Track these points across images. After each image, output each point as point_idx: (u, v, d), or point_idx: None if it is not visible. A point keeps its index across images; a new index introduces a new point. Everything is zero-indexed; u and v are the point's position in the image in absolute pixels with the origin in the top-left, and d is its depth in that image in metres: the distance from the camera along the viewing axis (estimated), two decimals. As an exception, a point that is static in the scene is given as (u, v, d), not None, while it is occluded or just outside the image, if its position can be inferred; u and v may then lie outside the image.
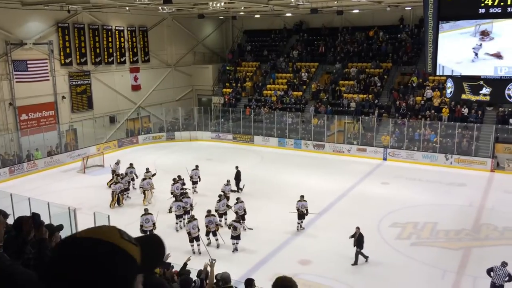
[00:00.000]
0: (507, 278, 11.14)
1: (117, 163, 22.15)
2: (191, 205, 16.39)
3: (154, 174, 19.93)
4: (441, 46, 12.60)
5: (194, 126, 33.09)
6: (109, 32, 30.31)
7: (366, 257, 13.57)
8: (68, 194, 19.70)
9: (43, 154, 25.44)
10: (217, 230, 14.79)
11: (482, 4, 11.41)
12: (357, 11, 31.66)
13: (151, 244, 1.17)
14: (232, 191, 18.81)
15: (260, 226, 16.13)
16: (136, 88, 32.74)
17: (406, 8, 30.89)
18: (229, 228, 14.73)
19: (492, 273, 11.30)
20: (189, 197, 16.85)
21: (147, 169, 20.28)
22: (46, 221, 5.04)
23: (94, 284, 1.00)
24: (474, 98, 12.63)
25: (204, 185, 20.20)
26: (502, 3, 11.21)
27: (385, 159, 26.01)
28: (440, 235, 15.58)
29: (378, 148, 26.54)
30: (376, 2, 25.43)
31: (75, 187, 21.57)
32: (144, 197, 19.00)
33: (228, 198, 17.35)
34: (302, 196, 16.12)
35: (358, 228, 13.65)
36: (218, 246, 14.70)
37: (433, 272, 13.03)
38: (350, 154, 27.10)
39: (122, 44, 31.27)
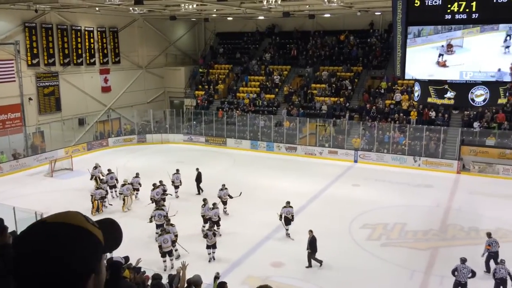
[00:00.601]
0: (470, 274, 11.51)
1: (96, 167, 21.19)
2: (164, 217, 15.03)
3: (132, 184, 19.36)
4: (411, 59, 12.89)
5: (166, 129, 32.74)
6: (78, 33, 29.68)
7: (320, 262, 13.48)
8: (35, 199, 19.11)
9: (8, 157, 24.63)
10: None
11: (448, 11, 11.75)
12: (328, 15, 32.11)
13: (110, 227, 1.28)
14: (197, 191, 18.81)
15: (233, 229, 16.09)
16: (106, 89, 32.14)
17: (376, 13, 31.54)
18: (204, 237, 13.99)
19: (456, 273, 11.66)
20: (162, 209, 15.68)
21: (137, 173, 19.86)
22: (12, 227, 4.87)
23: (67, 264, 1.08)
24: (439, 101, 13.00)
25: (180, 189, 20.01)
26: (467, 10, 11.56)
27: (356, 161, 26.42)
28: (408, 236, 15.93)
29: (349, 150, 26.93)
30: (346, 7, 25.84)
31: (42, 191, 20.96)
32: (124, 203, 18.29)
33: (224, 203, 17.42)
34: (288, 202, 15.86)
35: (311, 231, 13.66)
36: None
37: (402, 272, 13.30)
38: (322, 156, 27.40)
39: (92, 45, 30.67)
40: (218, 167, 25.33)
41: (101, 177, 20.30)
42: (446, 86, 12.61)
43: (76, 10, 28.06)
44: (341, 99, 29.87)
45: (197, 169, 20.63)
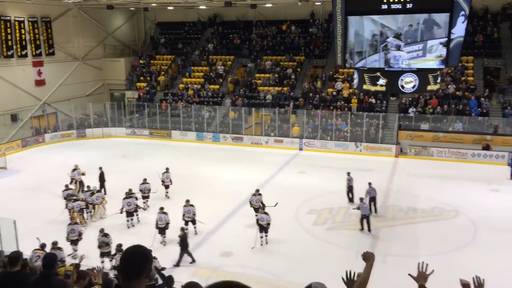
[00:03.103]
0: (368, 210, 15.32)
1: (75, 169, 19.45)
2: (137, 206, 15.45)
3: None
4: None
5: (106, 122, 31.62)
6: (8, 23, 27.83)
7: (192, 258, 13.29)
8: (-35, 201, 17.84)
9: None
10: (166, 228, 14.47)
11: (385, 0, 12.20)
12: (270, 5, 32.29)
13: None
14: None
15: (181, 222, 15.88)
16: (40, 83, 30.45)
17: (316, 3, 32.13)
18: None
19: (360, 209, 15.15)
20: (132, 197, 15.85)
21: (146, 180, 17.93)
22: None
23: None
24: (373, 88, 13.64)
25: (123, 184, 19.43)
26: (402, 0, 12.08)
27: (301, 149, 26.95)
28: (352, 218, 16.49)
29: (294, 139, 27.42)
30: (287, -3, 26.12)
31: (-28, 192, 19.59)
32: (94, 211, 16.71)
33: (256, 209, 15.52)
34: (257, 190, 16.05)
35: (182, 229, 13.61)
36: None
37: (348, 253, 13.78)
38: (268, 145, 27.70)
39: (23, 36, 28.88)
40: (164, 160, 24.86)
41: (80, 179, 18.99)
42: (378, 74, 13.19)
43: (4, 0, 26.29)
44: (285, 89, 30.26)
45: (100, 168, 19.32)
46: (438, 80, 13.77)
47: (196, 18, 37.57)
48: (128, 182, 18.79)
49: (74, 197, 16.49)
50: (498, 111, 25.73)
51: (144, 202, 17.33)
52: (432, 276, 3.60)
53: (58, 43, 31.51)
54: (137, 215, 16.14)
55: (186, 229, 14.74)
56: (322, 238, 14.98)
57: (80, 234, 13.77)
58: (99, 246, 12.94)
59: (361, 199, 15.64)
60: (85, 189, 17.64)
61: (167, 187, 18.78)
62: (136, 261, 2.34)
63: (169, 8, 34.80)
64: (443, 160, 24.05)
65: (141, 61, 35.84)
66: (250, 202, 15.96)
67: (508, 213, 16.81)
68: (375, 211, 16.66)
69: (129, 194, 16.09)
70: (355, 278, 3.60)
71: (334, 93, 29.08)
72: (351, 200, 17.76)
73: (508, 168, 22.33)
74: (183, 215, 15.06)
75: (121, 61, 35.55)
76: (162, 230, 14.41)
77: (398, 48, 12.62)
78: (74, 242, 13.65)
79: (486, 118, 25.22)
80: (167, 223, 14.38)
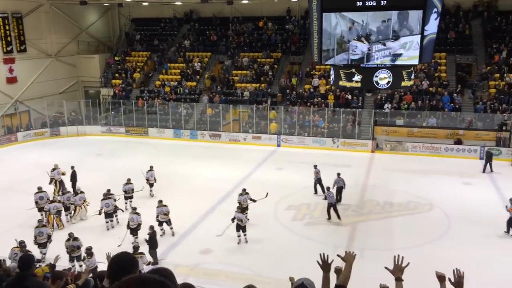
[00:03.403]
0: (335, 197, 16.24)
1: (54, 168, 18.67)
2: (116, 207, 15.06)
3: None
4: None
5: (81, 120, 31.03)
6: (-25, 18, 26.98)
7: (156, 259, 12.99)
8: None
9: None
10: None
11: (360, -3, 12.34)
12: (246, 1, 32.23)
13: None
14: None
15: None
16: (11, 80, 29.64)
17: (292, 0, 32.21)
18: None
19: (327, 198, 15.93)
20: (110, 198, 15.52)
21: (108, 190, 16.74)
22: None
23: None
24: (348, 84, 13.82)
25: (98, 181, 19.13)
26: (376, -3, 12.24)
27: (279, 145, 27.06)
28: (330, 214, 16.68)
29: (272, 135, 27.51)
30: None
31: None
32: (74, 213, 16.14)
33: (244, 209, 15.33)
34: (244, 190, 15.89)
35: (152, 227, 13.28)
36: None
37: (325, 248, 13.77)
38: (246, 142, 27.71)
39: (-8, 31, 28.05)
40: (140, 157, 24.60)
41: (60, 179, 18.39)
42: (354, 70, 13.37)
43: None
44: (263, 85, 30.29)
45: (72, 167, 18.97)
46: (412, 77, 14.01)
47: (172, 14, 37.18)
48: (104, 181, 18.54)
49: (50, 199, 15.91)
50: (470, 106, 26.38)
51: (126, 203, 16.83)
52: (407, 268, 3.68)
53: (29, 39, 30.72)
54: (116, 216, 15.78)
55: (162, 230, 14.61)
56: (300, 234, 15.10)
57: (49, 237, 13.25)
58: (70, 252, 12.51)
59: (328, 188, 16.49)
60: (66, 189, 17.26)
61: (151, 185, 18.50)
62: (124, 267, 2.52)
63: (144, 4, 34.34)
64: (417, 155, 24.53)
65: (116, 58, 35.26)
66: (239, 202, 15.43)
67: (480, 205, 17.28)
68: (339, 201, 17.37)
69: (107, 195, 15.65)
70: (329, 261, 3.69)
71: (311, 89, 29.27)
72: (318, 191, 18.54)
73: (480, 161, 22.97)
74: (157, 216, 14.73)
75: (95, 58, 34.91)
76: (133, 231, 14.06)
77: (364, 50, 12.83)
78: (42, 245, 13.08)
79: (458, 113, 25.83)
80: (139, 224, 14.03)
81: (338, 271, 3.90)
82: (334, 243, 13.98)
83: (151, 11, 36.67)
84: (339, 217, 15.81)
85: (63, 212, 15.90)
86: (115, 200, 15.76)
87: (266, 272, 12.43)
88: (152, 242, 13.00)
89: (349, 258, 3.72)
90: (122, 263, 2.57)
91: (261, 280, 12.21)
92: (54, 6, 32.44)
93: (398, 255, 3.66)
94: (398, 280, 3.54)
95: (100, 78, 34.37)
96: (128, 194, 17.12)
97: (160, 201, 15.09)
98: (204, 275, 12.43)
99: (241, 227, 14.17)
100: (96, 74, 34.51)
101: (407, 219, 16.24)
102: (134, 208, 14.54)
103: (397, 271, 3.56)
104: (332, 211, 15.93)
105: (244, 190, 16.13)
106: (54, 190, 18.33)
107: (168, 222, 14.82)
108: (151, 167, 18.89)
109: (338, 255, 3.84)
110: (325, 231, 15.26)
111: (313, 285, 3.25)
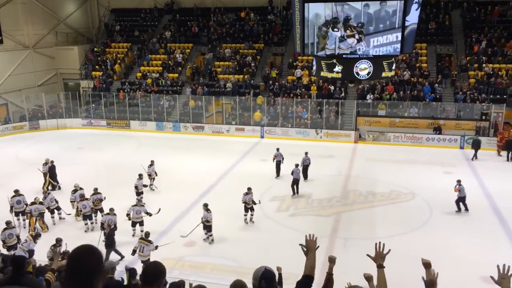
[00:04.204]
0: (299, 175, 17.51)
1: (46, 163, 18.08)
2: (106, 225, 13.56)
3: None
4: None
5: (61, 113, 30.47)
6: None
7: (121, 256, 12.72)
8: None
9: None
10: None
11: (341, -13, 12.31)
12: (228, -9, 31.92)
13: None
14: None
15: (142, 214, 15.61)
16: (-13, 73, 28.90)
17: (274, -10, 32.04)
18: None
19: (293, 173, 17.22)
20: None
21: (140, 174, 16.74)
22: None
23: None
24: (329, 75, 13.87)
25: (78, 176, 18.84)
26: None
27: (262, 137, 27.04)
28: (314, 204, 16.80)
29: (256, 127, 27.46)
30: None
31: None
32: (77, 210, 15.57)
33: (249, 209, 15.07)
34: (249, 189, 15.30)
35: (109, 225, 12.92)
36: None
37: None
38: (229, 134, 27.61)
39: (-34, 22, 27.22)
40: (122, 151, 24.34)
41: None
42: (334, 61, 13.41)
43: None
44: (246, 76, 30.15)
45: (52, 161, 18.34)
46: (393, 67, 14.10)
47: (153, 5, 36.63)
48: (85, 175, 18.25)
49: (28, 203, 14.80)
50: (450, 96, 26.75)
51: (138, 199, 16.09)
52: (391, 256, 3.70)
53: (6, 31, 29.88)
54: (95, 217, 15.09)
55: (134, 230, 14.08)
56: (285, 224, 15.15)
57: (18, 238, 12.53)
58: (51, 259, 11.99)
59: (296, 165, 17.66)
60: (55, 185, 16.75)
61: (153, 179, 18.21)
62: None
63: (124, -6, 33.73)
64: (399, 145, 24.81)
65: (95, 49, 34.63)
66: (245, 202, 15.02)
67: (460, 193, 17.58)
68: (305, 178, 18.90)
69: (95, 193, 15.33)
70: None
71: (294, 80, 29.26)
72: (278, 174, 19.75)
73: (460, 151, 23.38)
74: (128, 214, 14.15)
75: (74, 49, 34.23)
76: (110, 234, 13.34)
77: (342, 38, 12.85)
78: (13, 248, 12.29)
79: (439, 103, 26.17)
80: (115, 225, 13.34)
81: (368, 278, 3.81)
82: (318, 233, 13.98)
83: (131, 1, 36.09)
84: (297, 192, 17.47)
85: (48, 215, 15.01)
86: (100, 200, 15.24)
87: (251, 263, 12.31)
88: (109, 240, 12.58)
89: (310, 245, 3.67)
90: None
91: (246, 271, 12.19)
92: (30, -4, 31.64)
93: (379, 242, 3.67)
94: (380, 267, 3.56)
95: (79, 70, 33.75)
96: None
97: (249, 188, 15.16)
98: (189, 267, 12.40)
99: (207, 227, 13.65)
100: (75, 66, 33.86)
101: (389, 208, 16.45)
102: (112, 209, 13.74)
103: (379, 258, 3.59)
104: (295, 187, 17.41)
105: (249, 189, 15.36)
106: (44, 184, 17.88)
107: (141, 223, 14.19)
108: (152, 161, 18.59)
109: (300, 245, 3.74)
110: (309, 222, 15.35)
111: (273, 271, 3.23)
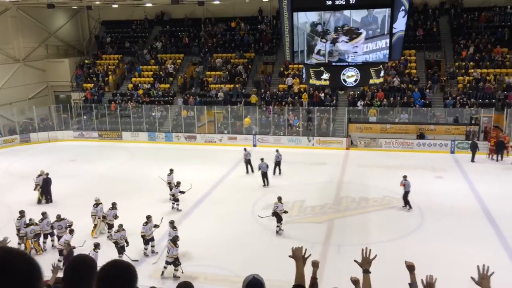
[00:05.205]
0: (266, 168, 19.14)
1: (40, 174, 17.91)
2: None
3: None
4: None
5: (52, 126, 30.34)
6: None
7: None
8: None
9: None
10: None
11: (329, -3, 12.46)
12: (218, 2, 32.14)
13: None
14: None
15: (134, 225, 15.53)
16: (-22, 87, 28.76)
17: (263, 0, 32.30)
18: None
19: (260, 168, 18.87)
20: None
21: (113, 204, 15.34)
22: None
23: None
24: (318, 82, 13.99)
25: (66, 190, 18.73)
26: (346, -4, 12.39)
27: (254, 145, 27.08)
28: (307, 211, 16.83)
29: (248, 135, 27.52)
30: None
31: None
32: (95, 226, 15.06)
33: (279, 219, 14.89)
34: (279, 198, 15.17)
35: (69, 244, 12.52)
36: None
37: (304, 245, 13.99)
38: (222, 143, 27.64)
39: (-44, 36, 27.14)
40: (115, 162, 24.26)
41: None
42: (322, 68, 13.54)
43: None
44: (237, 85, 30.28)
45: (47, 174, 18.10)
46: (381, 74, 14.23)
47: (143, 16, 36.77)
48: (78, 188, 18.16)
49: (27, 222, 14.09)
50: (440, 102, 27.03)
51: (173, 207, 16.81)
52: (384, 262, 3.74)
53: (-5, 44, 29.89)
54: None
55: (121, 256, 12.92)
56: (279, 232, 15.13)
57: None
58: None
59: (262, 159, 19.44)
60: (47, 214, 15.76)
61: (171, 188, 17.86)
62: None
63: (113, 6, 33.82)
64: (391, 151, 24.97)
65: (86, 61, 34.64)
66: (274, 212, 14.90)
67: (451, 198, 17.72)
68: (279, 173, 20.91)
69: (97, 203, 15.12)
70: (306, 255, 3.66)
71: (285, 89, 29.43)
72: (248, 171, 21.40)
73: (451, 155, 23.63)
74: (116, 241, 13.37)
75: (65, 62, 34.21)
76: (122, 249, 13.25)
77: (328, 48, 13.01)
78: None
79: (429, 108, 26.42)
80: (125, 240, 13.31)
81: (355, 281, 3.82)
82: (312, 240, 14.09)
83: (121, 13, 36.18)
84: (268, 183, 19.33)
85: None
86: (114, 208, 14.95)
87: (245, 271, 12.27)
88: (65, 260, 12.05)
89: (297, 253, 3.70)
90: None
91: (239, 280, 12.18)
92: (21, 9, 31.65)
93: (366, 248, 3.73)
94: (366, 272, 3.60)
95: (70, 82, 33.70)
96: (175, 197, 16.89)
97: (280, 198, 15.09)
98: (183, 278, 12.34)
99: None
100: (66, 78, 33.83)
101: (382, 214, 16.52)
102: (120, 226, 13.50)
103: (365, 263, 3.63)
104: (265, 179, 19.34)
105: (279, 198, 15.19)
106: (38, 198, 17.68)
107: (152, 239, 13.83)
108: (171, 170, 18.50)
109: (290, 256, 3.75)
110: (303, 229, 15.37)
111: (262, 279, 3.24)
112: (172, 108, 29.91)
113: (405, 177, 16.73)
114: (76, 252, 12.73)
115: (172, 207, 16.96)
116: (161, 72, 32.56)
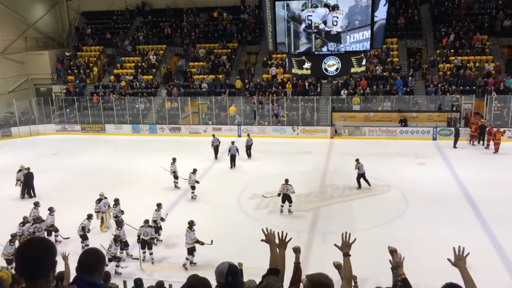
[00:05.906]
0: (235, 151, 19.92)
1: (20, 170, 17.54)
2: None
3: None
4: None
5: (34, 120, 29.86)
6: None
7: None
8: None
9: None
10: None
11: (311, -14, 12.47)
12: (200, -8, 31.85)
13: None
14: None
15: (124, 218, 15.48)
16: (-46, 81, 28.09)
17: (246, -10, 32.12)
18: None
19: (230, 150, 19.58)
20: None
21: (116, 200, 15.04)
22: None
23: None
24: (300, 72, 14.07)
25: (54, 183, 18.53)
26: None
27: (239, 135, 27.06)
28: (293, 200, 16.93)
29: (233, 126, 27.51)
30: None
31: None
32: (102, 222, 14.86)
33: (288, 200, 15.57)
34: (286, 180, 15.49)
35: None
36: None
37: (290, 234, 14.11)
38: (207, 134, 27.52)
39: None
40: (98, 155, 24.04)
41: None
42: (303, 57, 13.59)
43: None
44: (220, 76, 30.15)
45: (28, 168, 17.79)
46: (363, 63, 14.33)
47: (124, 7, 36.23)
48: (62, 181, 17.97)
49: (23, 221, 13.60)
50: (422, 89, 27.36)
51: (193, 196, 17.13)
52: (368, 248, 3.85)
53: (-28, 37, 29.18)
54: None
55: (144, 253, 12.78)
56: (264, 221, 15.21)
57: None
58: None
59: (233, 142, 21.01)
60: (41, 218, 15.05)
61: (176, 177, 18.29)
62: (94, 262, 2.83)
63: (94, -4, 33.27)
64: (374, 139, 25.25)
65: (67, 53, 34.06)
66: (281, 193, 15.48)
67: (434, 184, 18.05)
68: (249, 156, 22.16)
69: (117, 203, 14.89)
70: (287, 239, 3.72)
71: (269, 79, 29.42)
72: (216, 157, 22.43)
73: (433, 142, 23.99)
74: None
75: (45, 54, 33.60)
76: (145, 244, 12.83)
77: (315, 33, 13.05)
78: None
79: (411, 96, 26.73)
80: (152, 238, 12.93)
81: (337, 266, 3.94)
82: (297, 229, 14.24)
83: (101, 4, 35.60)
84: (234, 166, 20.61)
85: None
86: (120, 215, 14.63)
87: (232, 261, 12.48)
88: None
89: (269, 238, 3.78)
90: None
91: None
92: (-4, 1, 30.92)
93: (346, 232, 3.84)
94: (346, 255, 3.72)
95: (51, 75, 33.14)
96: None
97: (287, 180, 15.48)
98: (169, 269, 12.39)
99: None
100: (46, 71, 33.26)
101: (366, 201, 16.75)
102: (146, 221, 13.08)
103: (345, 247, 3.75)
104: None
105: (286, 180, 15.62)
106: (20, 191, 17.55)
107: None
108: (174, 159, 18.63)
109: (262, 240, 3.81)
110: (289, 218, 15.51)
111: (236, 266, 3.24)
112: (155, 99, 29.69)
113: (357, 160, 17.82)
114: (62, 245, 12.66)
115: (192, 197, 17.17)
116: (143, 64, 32.21)
